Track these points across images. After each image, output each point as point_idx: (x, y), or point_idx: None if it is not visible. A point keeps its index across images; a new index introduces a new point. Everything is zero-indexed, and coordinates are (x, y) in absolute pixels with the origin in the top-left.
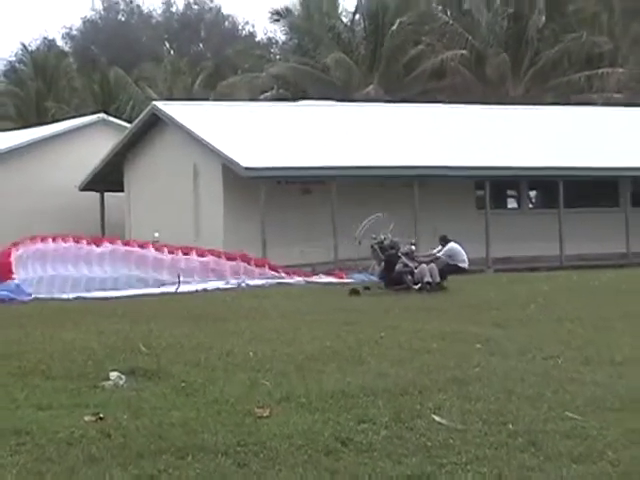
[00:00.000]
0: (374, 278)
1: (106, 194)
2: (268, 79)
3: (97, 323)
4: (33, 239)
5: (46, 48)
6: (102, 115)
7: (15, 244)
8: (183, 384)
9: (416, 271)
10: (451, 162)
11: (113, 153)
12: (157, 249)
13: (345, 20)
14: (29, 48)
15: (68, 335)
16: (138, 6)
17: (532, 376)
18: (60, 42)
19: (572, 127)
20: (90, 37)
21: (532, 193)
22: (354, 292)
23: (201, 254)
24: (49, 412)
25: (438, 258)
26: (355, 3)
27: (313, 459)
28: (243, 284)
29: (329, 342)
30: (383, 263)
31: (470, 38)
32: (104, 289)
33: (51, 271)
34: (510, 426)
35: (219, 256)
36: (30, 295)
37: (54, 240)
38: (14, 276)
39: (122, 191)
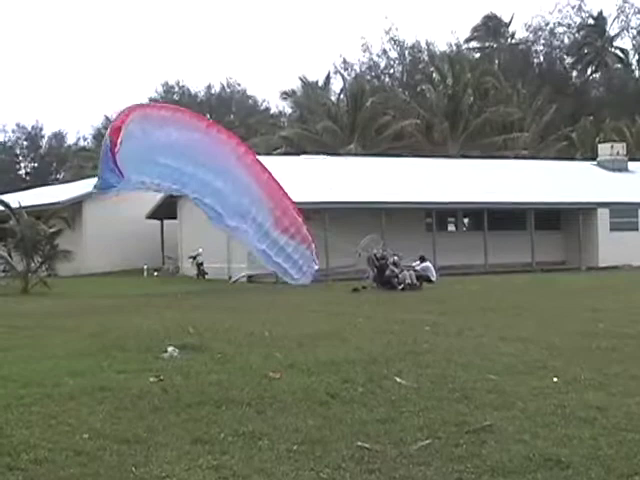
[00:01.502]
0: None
1: (165, 221)
2: (279, 140)
3: (158, 312)
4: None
5: None
6: None
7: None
8: (219, 355)
9: (400, 275)
10: (408, 198)
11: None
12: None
13: (333, 98)
14: (111, 118)
15: (137, 320)
16: (188, 89)
17: (465, 349)
18: None
19: (493, 173)
20: None
21: (465, 220)
22: (355, 290)
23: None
24: (124, 375)
25: (416, 270)
26: (340, 86)
27: (311, 408)
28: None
29: (323, 326)
30: (376, 270)
31: (421, 111)
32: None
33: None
34: (450, 385)
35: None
36: (118, 182)
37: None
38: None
39: (176, 219)
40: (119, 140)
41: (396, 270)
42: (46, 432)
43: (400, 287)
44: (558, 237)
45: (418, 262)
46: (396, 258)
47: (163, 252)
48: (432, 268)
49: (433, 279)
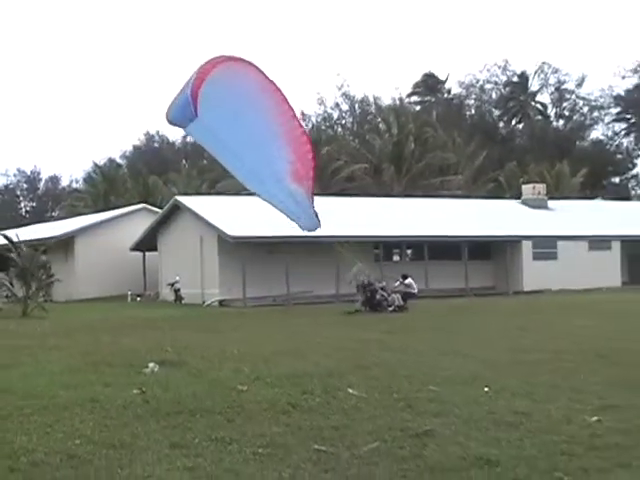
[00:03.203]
0: None
1: (147, 253)
2: None
3: (141, 333)
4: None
5: (109, 163)
6: (144, 205)
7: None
8: (193, 370)
9: (389, 299)
10: (359, 232)
11: (150, 227)
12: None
13: None
14: (99, 164)
15: (123, 340)
16: (167, 137)
17: (409, 363)
18: (118, 160)
19: (432, 211)
20: (137, 156)
21: (409, 251)
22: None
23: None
24: (111, 388)
25: (405, 285)
26: None
27: (274, 416)
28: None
29: (285, 344)
30: (364, 296)
31: (370, 157)
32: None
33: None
34: (395, 395)
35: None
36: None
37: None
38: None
39: (157, 251)
40: (204, 82)
41: (385, 294)
42: (43, 438)
43: (390, 309)
44: (488, 266)
45: (400, 280)
46: (383, 283)
47: (145, 280)
48: (413, 283)
49: (415, 292)
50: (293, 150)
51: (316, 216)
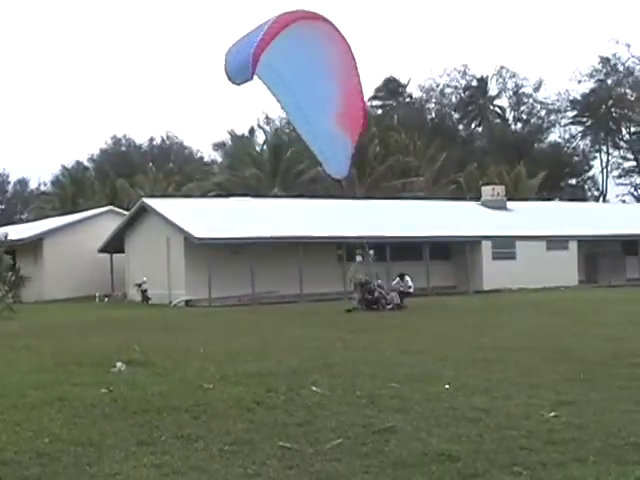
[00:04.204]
0: None
1: (114, 255)
2: (211, 185)
3: (109, 333)
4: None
5: (77, 166)
6: (111, 207)
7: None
8: (160, 370)
9: (388, 297)
10: (323, 233)
11: (118, 229)
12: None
13: (258, 148)
14: (67, 167)
15: (91, 340)
16: (133, 140)
17: (371, 361)
18: (86, 163)
19: (394, 212)
20: (104, 159)
21: (371, 252)
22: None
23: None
24: (79, 387)
25: (402, 287)
26: (264, 139)
27: (239, 413)
28: None
29: (250, 343)
30: (361, 294)
31: None
32: None
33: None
34: (358, 392)
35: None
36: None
37: None
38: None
39: (124, 252)
40: (278, 35)
41: (383, 292)
42: (12, 437)
43: (389, 307)
44: (449, 265)
45: (397, 280)
46: (380, 282)
47: (112, 281)
48: (410, 281)
49: (412, 290)
50: (347, 103)
51: (349, 164)
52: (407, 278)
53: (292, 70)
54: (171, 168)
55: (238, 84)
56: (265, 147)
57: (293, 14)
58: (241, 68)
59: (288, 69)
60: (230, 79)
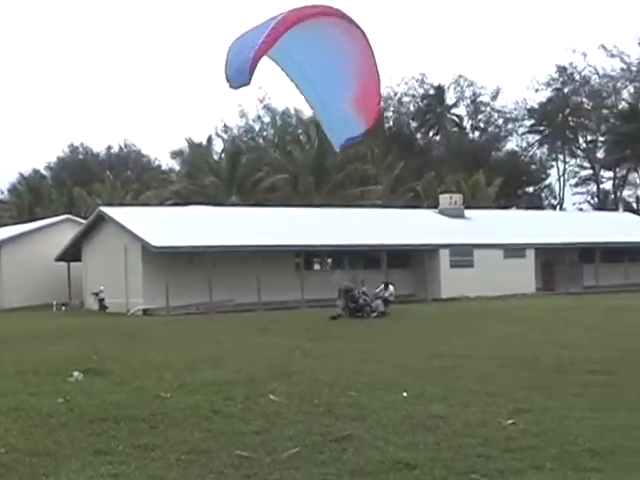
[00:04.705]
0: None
1: (72, 263)
2: (169, 193)
3: (66, 342)
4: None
5: (34, 174)
6: (68, 216)
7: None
8: (117, 379)
9: (372, 305)
10: (280, 242)
11: (75, 238)
12: None
13: (215, 157)
14: (24, 175)
15: (48, 348)
16: (91, 149)
17: (329, 370)
18: (43, 171)
19: (352, 220)
20: (61, 167)
21: (329, 260)
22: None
23: None
24: (36, 396)
25: (381, 296)
26: (222, 147)
27: (197, 422)
28: None
29: (207, 352)
30: (344, 301)
31: (291, 167)
32: None
33: None
34: (316, 400)
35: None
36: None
37: None
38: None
39: (81, 261)
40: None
41: (368, 299)
42: None
43: (374, 314)
44: (408, 273)
45: (382, 287)
46: (364, 289)
47: (70, 290)
48: (393, 290)
49: (392, 299)
50: (362, 89)
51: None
52: (391, 287)
53: (303, 52)
54: (129, 176)
55: (235, 88)
56: (223, 155)
57: (301, 11)
58: (239, 71)
59: (299, 51)
60: (228, 82)
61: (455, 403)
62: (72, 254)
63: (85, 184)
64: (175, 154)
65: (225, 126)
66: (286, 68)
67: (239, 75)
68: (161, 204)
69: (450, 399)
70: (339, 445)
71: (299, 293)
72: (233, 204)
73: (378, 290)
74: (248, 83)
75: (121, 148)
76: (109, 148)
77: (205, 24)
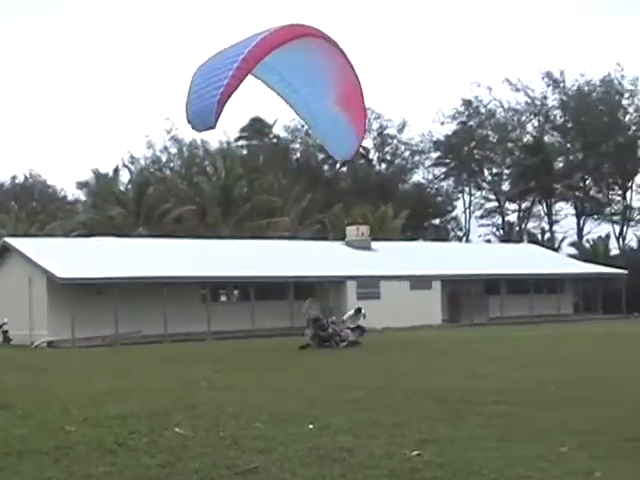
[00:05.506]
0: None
1: None
2: (76, 224)
3: None
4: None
5: None
6: None
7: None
8: (21, 412)
9: (342, 334)
10: (186, 273)
11: None
12: None
13: (122, 188)
14: None
15: None
16: None
17: (235, 401)
18: None
19: (259, 252)
20: None
21: (235, 291)
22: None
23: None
24: None
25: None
26: (128, 177)
27: (101, 456)
28: None
29: (113, 384)
30: (313, 330)
31: (198, 199)
32: None
33: None
34: (221, 433)
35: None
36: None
37: None
38: None
39: None
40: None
41: (337, 329)
42: None
43: (344, 344)
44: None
45: (352, 312)
46: (333, 318)
47: None
48: (363, 320)
49: (365, 326)
50: (347, 90)
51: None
52: (363, 312)
53: (286, 64)
54: (34, 207)
55: (199, 131)
56: (130, 186)
57: (275, 35)
58: (204, 113)
59: (282, 64)
60: (190, 123)
61: (361, 434)
62: None
63: None
64: (81, 185)
65: (132, 157)
66: (272, 84)
67: (204, 117)
68: (67, 235)
69: (356, 430)
70: (245, 478)
71: (205, 325)
72: (140, 235)
73: (346, 317)
74: (214, 127)
75: (26, 178)
76: (14, 178)
77: (113, 53)
